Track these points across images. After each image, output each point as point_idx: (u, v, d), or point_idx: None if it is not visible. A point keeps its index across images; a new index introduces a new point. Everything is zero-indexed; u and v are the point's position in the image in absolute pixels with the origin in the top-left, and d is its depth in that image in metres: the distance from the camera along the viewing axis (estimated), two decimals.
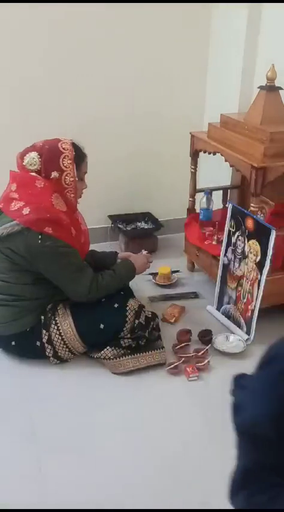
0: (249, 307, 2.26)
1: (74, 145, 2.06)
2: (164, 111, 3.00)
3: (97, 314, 2.07)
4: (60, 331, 2.03)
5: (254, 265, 2.21)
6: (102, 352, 2.07)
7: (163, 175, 3.15)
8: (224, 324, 2.40)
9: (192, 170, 2.72)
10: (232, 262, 2.37)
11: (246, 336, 2.25)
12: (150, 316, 2.14)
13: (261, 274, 2.18)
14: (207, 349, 2.17)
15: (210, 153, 2.53)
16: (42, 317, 2.05)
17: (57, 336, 2.04)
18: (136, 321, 2.07)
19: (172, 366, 2.08)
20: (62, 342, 2.04)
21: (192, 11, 2.83)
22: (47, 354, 2.05)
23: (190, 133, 2.67)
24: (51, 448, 1.74)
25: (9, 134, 2.72)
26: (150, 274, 2.70)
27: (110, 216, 3.10)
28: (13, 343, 2.07)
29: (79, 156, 2.07)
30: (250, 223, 2.22)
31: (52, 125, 2.72)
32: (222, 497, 1.59)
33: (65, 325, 2.04)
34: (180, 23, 2.84)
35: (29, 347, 2.06)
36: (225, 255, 2.41)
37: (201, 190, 2.73)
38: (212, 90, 3.01)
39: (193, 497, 1.58)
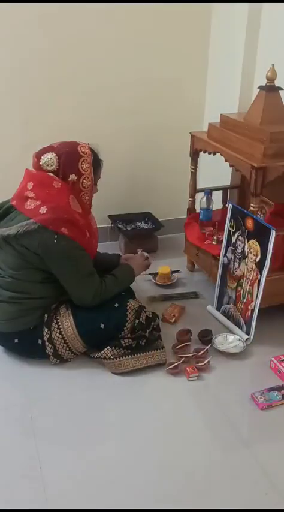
0: (249, 307, 2.26)
1: (92, 150, 2.08)
2: (164, 111, 3.00)
3: (97, 313, 2.07)
4: (61, 330, 2.04)
5: (254, 265, 2.21)
6: (102, 352, 2.07)
7: (163, 175, 3.15)
8: (224, 324, 2.40)
9: (192, 170, 2.72)
10: (232, 262, 2.37)
11: (246, 336, 2.25)
12: (150, 316, 2.15)
13: (261, 274, 2.18)
14: (206, 349, 2.17)
15: (209, 153, 2.53)
16: (45, 315, 2.06)
17: (57, 334, 2.04)
18: (137, 321, 2.08)
19: (172, 366, 2.08)
20: (63, 341, 2.05)
21: (192, 11, 2.83)
22: (47, 352, 2.06)
23: (190, 133, 2.67)
24: (51, 447, 1.74)
25: (9, 134, 2.73)
26: (150, 274, 2.71)
27: (110, 216, 3.10)
28: (16, 340, 2.07)
29: (96, 161, 2.11)
30: (250, 223, 2.22)
31: (51, 125, 2.74)
32: (222, 497, 1.60)
33: (65, 324, 2.04)
34: (180, 23, 2.84)
35: (31, 345, 2.07)
36: (225, 255, 2.41)
37: (201, 190, 2.73)
38: (212, 90, 3.01)
39: (193, 497, 1.58)
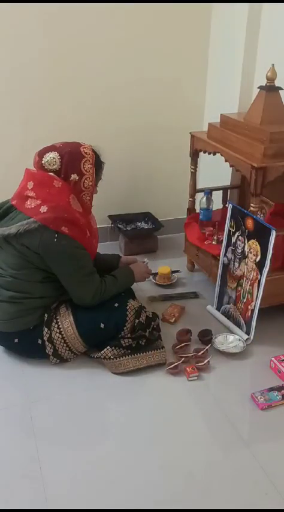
0: (249, 307, 2.26)
1: (94, 152, 2.10)
2: (164, 111, 3.00)
3: (97, 313, 2.07)
4: (61, 329, 2.04)
5: (254, 265, 2.21)
6: (102, 352, 2.07)
7: (163, 175, 3.15)
8: (224, 324, 2.40)
9: (192, 170, 2.72)
10: (232, 262, 2.37)
11: (246, 336, 2.25)
12: (150, 316, 2.15)
13: (261, 274, 2.18)
14: (206, 349, 2.17)
15: (209, 153, 2.54)
16: (45, 315, 2.06)
17: (57, 334, 2.04)
18: (137, 321, 2.08)
19: (172, 366, 2.08)
20: (63, 341, 2.05)
21: (192, 11, 2.83)
22: (47, 352, 2.06)
23: (190, 133, 2.67)
24: (51, 447, 1.74)
25: (9, 134, 2.73)
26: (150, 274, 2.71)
27: (110, 216, 3.10)
28: (16, 340, 2.07)
29: (98, 163, 2.12)
30: (250, 223, 2.22)
31: (51, 125, 2.75)
32: (222, 496, 1.60)
33: (65, 324, 2.05)
34: (180, 23, 2.84)
35: (31, 345, 2.07)
36: (225, 255, 2.41)
37: (200, 190, 2.73)
38: (212, 90, 3.02)
39: (193, 497, 1.58)
